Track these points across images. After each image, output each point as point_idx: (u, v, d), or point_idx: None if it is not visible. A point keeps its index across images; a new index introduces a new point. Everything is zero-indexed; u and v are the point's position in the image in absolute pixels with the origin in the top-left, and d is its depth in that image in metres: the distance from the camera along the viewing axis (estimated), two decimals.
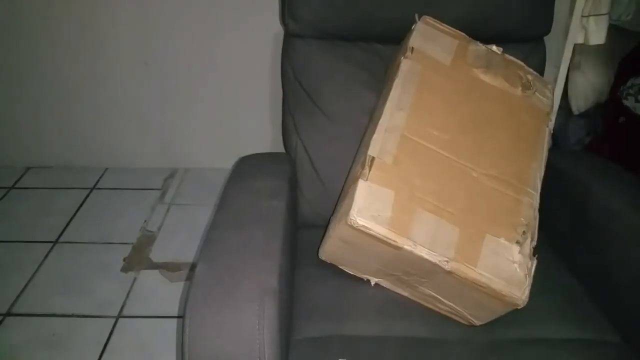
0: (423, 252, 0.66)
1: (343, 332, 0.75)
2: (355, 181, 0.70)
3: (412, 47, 0.82)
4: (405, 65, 0.80)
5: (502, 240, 0.69)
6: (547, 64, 1.07)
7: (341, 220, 0.69)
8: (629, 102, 1.42)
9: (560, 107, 1.47)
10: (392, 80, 0.80)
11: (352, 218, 0.66)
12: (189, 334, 0.59)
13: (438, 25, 0.86)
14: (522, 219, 0.72)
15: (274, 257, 0.68)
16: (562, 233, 0.93)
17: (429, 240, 0.67)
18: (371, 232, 0.66)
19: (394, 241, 0.66)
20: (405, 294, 0.80)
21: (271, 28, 1.43)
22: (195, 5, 1.50)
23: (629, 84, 1.42)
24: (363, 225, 0.66)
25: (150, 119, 1.72)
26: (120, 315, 1.25)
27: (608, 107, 1.53)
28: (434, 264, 0.67)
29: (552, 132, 0.85)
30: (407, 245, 0.66)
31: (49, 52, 1.58)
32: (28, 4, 1.49)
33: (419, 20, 0.86)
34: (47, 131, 1.73)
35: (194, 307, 0.60)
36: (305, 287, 0.82)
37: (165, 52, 1.58)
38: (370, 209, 0.66)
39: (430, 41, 0.83)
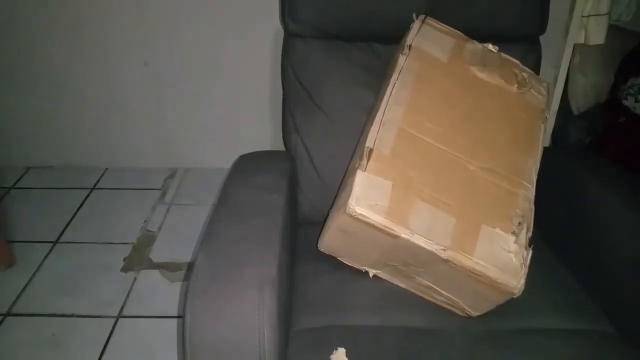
0: (420, 241, 0.67)
1: (342, 322, 0.76)
2: (353, 172, 0.71)
3: (410, 45, 0.83)
4: (403, 62, 0.82)
5: (497, 230, 0.70)
6: (547, 64, 1.08)
7: (340, 210, 0.70)
8: (629, 102, 1.43)
9: (560, 107, 1.47)
10: (390, 77, 0.81)
11: (351, 207, 0.67)
12: (189, 322, 0.59)
13: (435, 24, 0.87)
14: (517, 210, 0.73)
15: (274, 248, 0.69)
16: (558, 227, 0.94)
17: (425, 229, 0.68)
18: (369, 220, 0.67)
19: (391, 230, 0.67)
20: (403, 285, 0.81)
21: (271, 27, 1.43)
22: (195, 5, 1.50)
23: (629, 83, 1.42)
24: (361, 214, 0.67)
25: (150, 118, 1.72)
26: (120, 315, 1.25)
27: (608, 107, 1.53)
28: (431, 253, 0.68)
29: (547, 129, 0.86)
30: (404, 234, 0.67)
31: (49, 52, 1.58)
32: (28, 3, 1.50)
33: (416, 19, 0.88)
34: (47, 131, 1.74)
35: (195, 296, 0.61)
36: (305, 280, 0.83)
37: (166, 52, 1.58)
38: (368, 198, 0.67)
39: (428, 39, 0.85)
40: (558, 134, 1.56)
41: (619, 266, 0.81)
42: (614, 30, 1.39)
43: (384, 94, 0.80)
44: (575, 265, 0.90)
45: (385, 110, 0.76)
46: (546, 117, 0.86)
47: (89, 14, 1.52)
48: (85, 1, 1.50)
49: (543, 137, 0.83)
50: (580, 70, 1.45)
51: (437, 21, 0.88)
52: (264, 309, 0.60)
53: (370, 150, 0.71)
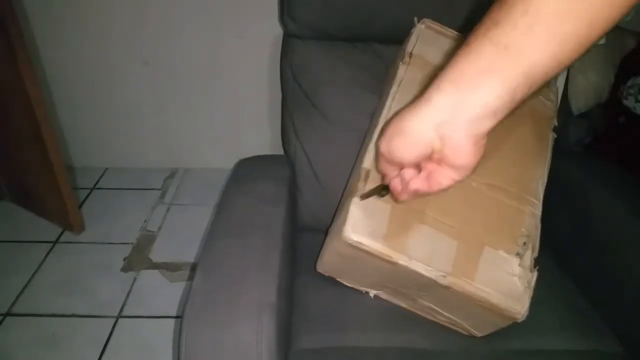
0: (419, 268, 0.64)
1: (342, 343, 0.73)
2: (351, 195, 0.68)
3: (411, 53, 0.80)
4: (403, 71, 0.78)
5: (501, 252, 0.67)
6: None
7: (336, 236, 0.68)
8: (629, 102, 1.42)
9: (560, 107, 1.47)
10: (390, 87, 0.78)
11: (346, 234, 0.64)
12: (185, 349, 0.57)
13: (438, 28, 0.84)
14: (523, 229, 0.69)
15: (273, 268, 0.67)
16: (564, 241, 0.92)
17: (426, 255, 0.65)
18: (366, 248, 0.64)
19: (389, 257, 0.64)
20: (405, 305, 0.78)
21: (272, 28, 1.43)
22: (195, 5, 1.50)
23: (629, 83, 1.42)
24: (357, 242, 0.64)
25: (150, 119, 1.72)
26: (120, 315, 1.25)
27: (608, 107, 1.53)
28: (431, 279, 0.65)
29: (556, 136, 0.83)
30: (403, 261, 0.64)
31: (48, 51, 1.58)
32: (28, 2, 1.50)
33: (418, 23, 0.84)
34: None
35: (191, 321, 0.59)
36: (305, 295, 0.81)
37: (166, 51, 1.58)
38: (365, 224, 0.65)
39: (430, 45, 0.81)
40: (558, 135, 1.56)
41: (627, 281, 0.78)
42: (614, 30, 1.38)
43: (382, 106, 0.76)
44: (581, 280, 0.87)
45: (382, 125, 0.73)
46: (555, 125, 0.81)
47: (88, 14, 1.52)
48: (85, 1, 1.50)
49: (552, 147, 0.79)
50: (580, 70, 1.45)
51: (438, 24, 0.85)
52: (263, 336, 0.58)
53: (368, 172, 0.68)
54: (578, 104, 1.51)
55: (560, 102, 1.46)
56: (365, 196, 0.64)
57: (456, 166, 0.45)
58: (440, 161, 0.45)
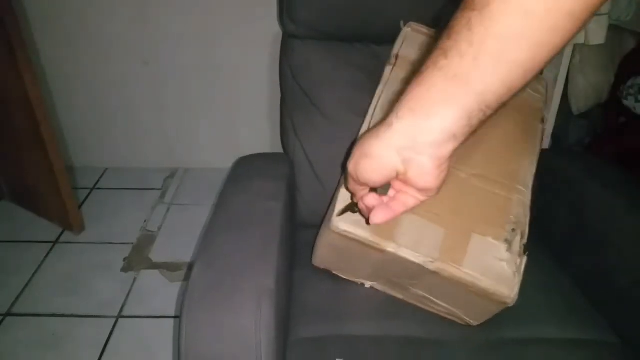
0: (407, 254, 0.66)
1: (341, 332, 0.74)
2: (339, 187, 0.71)
3: (397, 54, 0.82)
4: (388, 72, 0.80)
5: (489, 239, 0.68)
6: None
7: (326, 227, 0.70)
8: (629, 102, 1.42)
9: (560, 107, 1.47)
10: (377, 87, 0.80)
11: (334, 224, 0.66)
12: (185, 336, 0.58)
13: (424, 30, 0.86)
14: (511, 216, 0.71)
15: (271, 258, 0.68)
16: (559, 234, 0.93)
17: (413, 242, 0.66)
18: (354, 236, 0.66)
19: (376, 244, 0.66)
20: (400, 296, 0.79)
21: (271, 28, 1.43)
22: (196, 5, 1.50)
23: (629, 83, 1.42)
24: (345, 231, 0.66)
25: (150, 119, 1.72)
26: (120, 315, 1.25)
27: (608, 107, 1.53)
28: (419, 265, 0.66)
29: (546, 129, 0.84)
30: (390, 248, 0.66)
31: (48, 51, 1.58)
32: (29, 3, 1.50)
33: (404, 26, 0.86)
34: None
35: (191, 310, 0.60)
36: (303, 287, 0.82)
37: (165, 52, 1.59)
38: (353, 214, 0.66)
39: (415, 47, 0.83)
40: (558, 135, 1.56)
41: (621, 272, 0.79)
42: (614, 30, 1.39)
43: (369, 105, 0.78)
44: (578, 273, 0.88)
45: (370, 122, 0.75)
46: (544, 116, 0.83)
47: (88, 14, 1.52)
48: (85, 1, 1.50)
49: (541, 138, 0.81)
50: (581, 70, 1.45)
51: (425, 27, 0.86)
52: (262, 322, 0.59)
53: None
54: (578, 104, 1.51)
55: (560, 102, 1.46)
56: (341, 213, 0.66)
57: (420, 188, 0.46)
58: (405, 182, 0.46)
